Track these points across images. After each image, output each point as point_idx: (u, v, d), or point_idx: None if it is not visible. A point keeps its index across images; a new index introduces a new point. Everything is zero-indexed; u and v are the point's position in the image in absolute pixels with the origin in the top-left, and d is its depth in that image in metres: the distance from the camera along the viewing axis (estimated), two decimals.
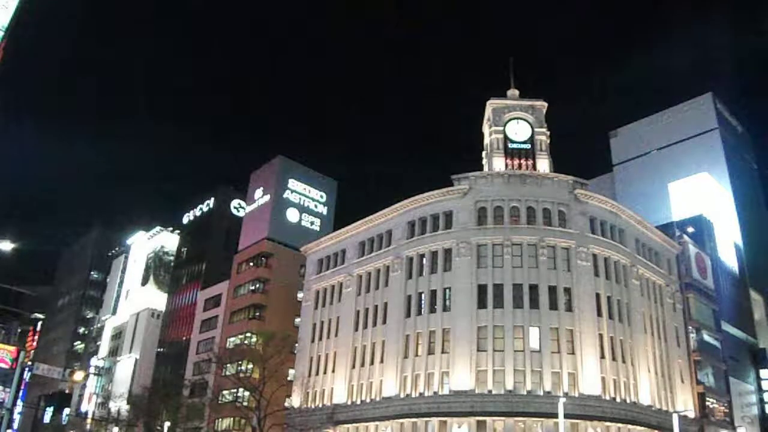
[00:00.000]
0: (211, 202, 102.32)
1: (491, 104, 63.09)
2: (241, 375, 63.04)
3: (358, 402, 56.21)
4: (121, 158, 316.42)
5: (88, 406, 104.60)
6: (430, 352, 52.29)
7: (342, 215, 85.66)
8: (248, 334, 74.07)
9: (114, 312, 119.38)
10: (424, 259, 56.18)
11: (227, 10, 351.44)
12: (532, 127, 61.29)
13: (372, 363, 56.82)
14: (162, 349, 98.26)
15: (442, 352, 51.53)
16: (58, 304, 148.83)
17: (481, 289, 52.17)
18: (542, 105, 62.68)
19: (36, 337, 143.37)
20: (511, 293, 51.45)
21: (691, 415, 57.16)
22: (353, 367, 58.49)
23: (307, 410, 60.30)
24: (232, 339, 77.35)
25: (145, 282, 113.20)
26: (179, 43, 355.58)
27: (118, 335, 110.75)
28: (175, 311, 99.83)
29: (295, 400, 62.20)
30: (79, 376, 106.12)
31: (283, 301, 76.11)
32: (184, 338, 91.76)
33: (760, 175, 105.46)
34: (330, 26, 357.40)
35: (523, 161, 59.72)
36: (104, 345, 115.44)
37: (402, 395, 52.39)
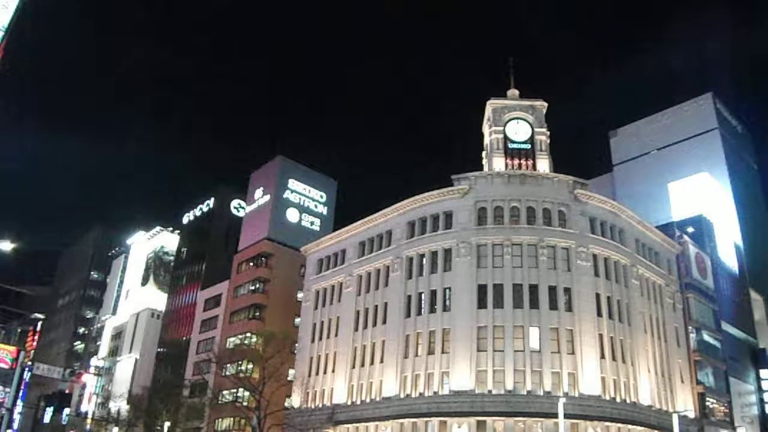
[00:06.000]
0: (211, 202, 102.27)
1: (491, 104, 63.10)
2: (241, 375, 63.07)
3: (358, 402, 56.20)
4: (121, 158, 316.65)
5: (88, 406, 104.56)
6: (430, 352, 52.28)
7: (342, 215, 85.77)
8: (248, 334, 74.04)
9: (114, 312, 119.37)
10: (424, 259, 56.17)
11: (226, 10, 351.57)
12: (532, 127, 61.31)
13: (372, 363, 56.80)
14: (162, 349, 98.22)
15: (442, 352, 51.51)
16: (58, 304, 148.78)
17: (481, 289, 52.14)
18: (542, 105, 62.70)
19: (36, 337, 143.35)
20: (511, 293, 51.41)
21: (691, 415, 57.15)
22: (353, 367, 58.47)
23: (307, 410, 60.27)
24: (232, 339, 77.31)
25: (145, 282, 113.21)
26: (179, 42, 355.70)
27: (118, 335, 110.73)
28: (175, 311, 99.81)
29: (295, 400, 62.19)
30: (86, 377, 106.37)
31: (283, 301, 76.11)
32: (184, 338, 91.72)
33: (760, 175, 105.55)
34: (330, 26, 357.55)
35: (523, 161, 59.72)
36: (104, 345, 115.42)
37: (402, 395, 52.38)
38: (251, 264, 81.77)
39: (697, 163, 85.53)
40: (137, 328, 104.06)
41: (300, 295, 71.29)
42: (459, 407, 48.52)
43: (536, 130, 61.20)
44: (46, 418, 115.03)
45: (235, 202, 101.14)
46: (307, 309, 67.54)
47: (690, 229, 68.19)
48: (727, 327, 68.94)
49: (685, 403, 56.79)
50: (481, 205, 55.31)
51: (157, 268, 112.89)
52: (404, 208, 59.27)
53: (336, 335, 62.03)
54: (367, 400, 55.37)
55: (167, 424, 67.98)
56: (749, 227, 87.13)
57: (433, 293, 54.32)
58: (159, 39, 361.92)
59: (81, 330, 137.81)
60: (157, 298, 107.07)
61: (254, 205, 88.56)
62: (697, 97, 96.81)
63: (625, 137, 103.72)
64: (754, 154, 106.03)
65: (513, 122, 61.62)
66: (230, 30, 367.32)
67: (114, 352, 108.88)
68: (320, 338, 64.04)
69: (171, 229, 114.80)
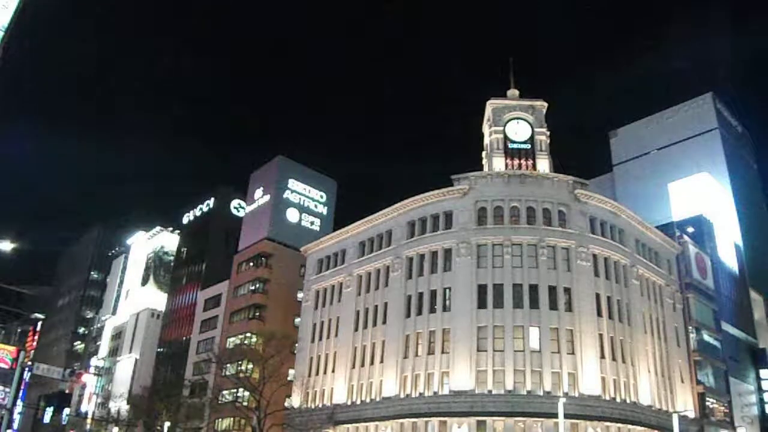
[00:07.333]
0: (211, 202, 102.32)
1: (491, 104, 63.13)
2: (241, 375, 63.04)
3: (358, 402, 56.22)
4: (121, 158, 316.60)
5: (88, 406, 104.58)
6: (430, 352, 52.29)
7: (342, 215, 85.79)
8: (248, 334, 74.06)
9: (114, 312, 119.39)
10: (424, 259, 56.17)
11: (227, 10, 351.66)
12: (532, 127, 61.33)
13: (372, 363, 56.83)
14: (162, 349, 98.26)
15: (442, 352, 51.53)
16: (58, 304, 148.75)
17: (481, 289, 52.17)
18: (542, 105, 62.71)
19: (36, 337, 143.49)
20: (511, 293, 51.45)
21: (691, 415, 57.16)
22: (353, 367, 58.50)
23: (307, 410, 60.31)
24: (232, 339, 77.34)
25: (145, 282, 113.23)
26: (179, 42, 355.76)
27: (118, 335, 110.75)
28: (175, 311, 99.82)
29: (295, 400, 62.22)
30: (86, 377, 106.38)
31: (283, 301, 76.11)
32: (184, 338, 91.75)
33: (760, 175, 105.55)
34: (330, 25, 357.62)
35: (523, 161, 59.74)
36: (104, 345, 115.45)
37: (402, 395, 52.39)
38: (251, 264, 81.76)
39: (697, 163, 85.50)
40: (137, 328, 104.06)
41: (300, 295, 71.28)
42: (459, 407, 48.54)
43: (536, 130, 61.21)
44: (46, 418, 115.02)
45: (235, 202, 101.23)
46: (307, 309, 67.56)
47: (690, 229, 68.21)
48: (727, 327, 68.93)
49: (685, 403, 56.80)
50: (481, 205, 55.34)
51: (157, 268, 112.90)
52: (404, 208, 59.29)
53: (336, 335, 62.05)
54: (367, 400, 55.38)
55: (167, 424, 68.00)
56: (749, 227, 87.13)
57: (433, 293, 54.33)
58: (159, 39, 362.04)
59: (81, 330, 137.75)
60: (157, 298, 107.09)
61: (254, 205, 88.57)
62: (697, 97, 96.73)
63: (625, 137, 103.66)
64: (754, 154, 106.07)
65: (513, 122, 61.64)
66: (230, 30, 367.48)
67: (114, 352, 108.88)
68: (320, 338, 64.06)
69: (171, 229, 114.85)
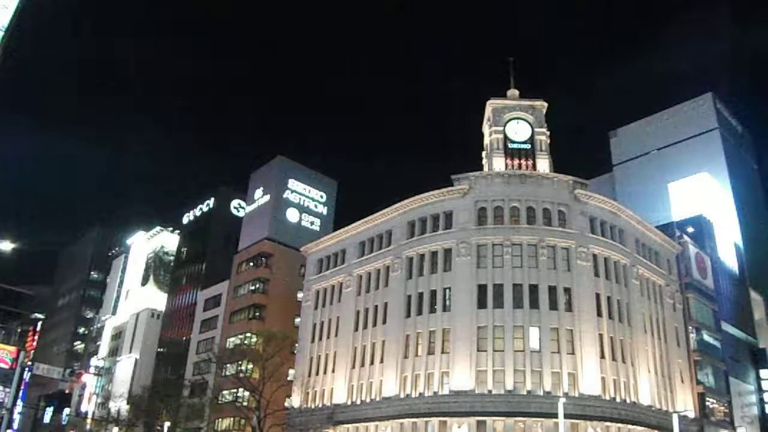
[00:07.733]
0: (211, 202, 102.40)
1: (491, 104, 63.13)
2: (241, 375, 63.10)
3: (358, 402, 56.22)
4: (121, 158, 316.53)
5: (88, 406, 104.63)
6: (430, 352, 52.29)
7: (342, 215, 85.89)
8: (248, 334, 74.08)
9: (114, 312, 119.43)
10: (424, 259, 56.17)
11: (227, 10, 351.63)
12: (532, 127, 61.34)
13: (372, 363, 56.82)
14: (162, 349, 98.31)
15: (442, 352, 51.53)
16: (58, 304, 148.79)
17: (481, 289, 52.17)
18: (542, 105, 62.72)
19: (36, 337, 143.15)
20: (511, 293, 51.45)
21: (691, 415, 57.15)
22: (353, 367, 58.49)
23: (307, 410, 60.30)
24: (232, 339, 77.35)
25: (145, 282, 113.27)
26: (179, 42, 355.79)
27: (118, 335, 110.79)
28: (175, 311, 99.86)
29: (295, 400, 62.22)
30: (86, 377, 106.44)
31: (283, 301, 76.15)
32: (184, 338, 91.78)
33: (760, 175, 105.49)
34: (330, 25, 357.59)
35: (523, 161, 59.75)
36: (104, 345, 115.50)
37: (402, 395, 52.39)
38: (251, 264, 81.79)
39: (697, 163, 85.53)
40: (137, 328, 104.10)
41: (300, 295, 71.31)
42: (459, 407, 48.55)
43: (536, 130, 61.22)
44: (46, 418, 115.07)
45: (235, 202, 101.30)
46: (307, 309, 67.56)
47: (690, 229, 68.20)
48: (727, 327, 68.93)
49: (685, 403, 56.79)
50: (481, 205, 55.35)
51: (157, 268, 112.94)
52: (404, 208, 59.29)
53: (336, 335, 62.03)
54: (367, 400, 55.38)
55: (167, 424, 68.00)
56: (749, 227, 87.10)
57: (433, 293, 54.33)
58: (159, 39, 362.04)
59: (81, 330, 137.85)
60: (157, 298, 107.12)
61: (254, 205, 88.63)
62: (697, 97, 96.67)
63: (625, 137, 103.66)
64: (754, 154, 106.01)
65: (513, 122, 61.66)
66: (230, 30, 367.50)
67: (114, 352, 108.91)
68: (320, 338, 64.04)
69: (171, 229, 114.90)
